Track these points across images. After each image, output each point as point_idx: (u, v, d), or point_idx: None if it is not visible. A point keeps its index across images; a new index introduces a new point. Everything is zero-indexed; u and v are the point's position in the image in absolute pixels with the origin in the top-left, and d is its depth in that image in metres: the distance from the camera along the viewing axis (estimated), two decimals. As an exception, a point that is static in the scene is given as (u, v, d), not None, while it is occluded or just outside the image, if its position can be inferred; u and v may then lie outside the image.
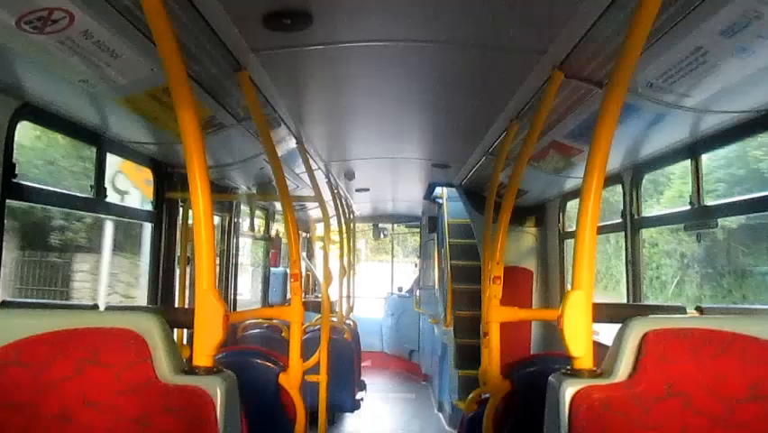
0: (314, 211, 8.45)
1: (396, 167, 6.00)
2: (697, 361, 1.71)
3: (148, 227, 4.37)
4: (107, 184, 3.42)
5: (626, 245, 3.93)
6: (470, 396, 3.92)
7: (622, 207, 3.94)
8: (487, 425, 3.15)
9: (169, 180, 4.19)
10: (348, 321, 7.38)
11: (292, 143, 4.22)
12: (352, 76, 3.10)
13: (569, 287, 1.83)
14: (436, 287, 8.43)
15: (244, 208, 6.21)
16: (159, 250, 4.23)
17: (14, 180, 2.59)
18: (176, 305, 4.33)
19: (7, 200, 2.57)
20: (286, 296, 7.65)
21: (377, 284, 12.47)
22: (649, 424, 1.64)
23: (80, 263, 9.59)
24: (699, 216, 3.13)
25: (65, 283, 9.50)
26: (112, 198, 3.51)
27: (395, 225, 11.93)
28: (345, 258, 6.78)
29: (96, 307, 2.21)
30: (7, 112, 2.53)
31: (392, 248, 12.87)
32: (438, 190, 7.57)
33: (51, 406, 1.71)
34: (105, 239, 9.22)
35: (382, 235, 11.88)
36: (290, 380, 3.25)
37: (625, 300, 3.98)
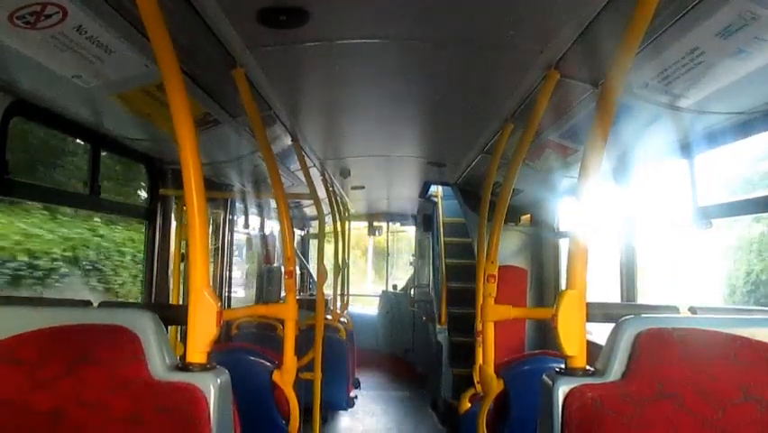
0: (309, 209, 8.43)
1: (391, 165, 5.98)
2: (689, 361, 1.72)
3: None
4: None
5: (620, 245, 3.95)
6: (464, 395, 3.93)
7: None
8: (480, 424, 3.16)
9: (163, 177, 4.18)
10: (342, 319, 7.38)
11: (287, 141, 4.21)
12: (347, 73, 3.09)
13: (563, 286, 1.83)
14: (431, 285, 8.43)
15: (239, 205, 6.20)
16: (153, 247, 4.22)
17: (7, 177, 2.58)
18: (170, 302, 4.32)
19: None
20: (280, 293, 7.64)
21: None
22: (641, 424, 1.65)
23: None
24: (693, 217, 3.15)
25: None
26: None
27: (390, 224, 11.90)
28: (340, 255, 6.77)
29: (88, 303, 2.20)
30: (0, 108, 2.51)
31: (387, 246, 12.82)
32: (433, 189, 7.56)
33: (44, 404, 1.70)
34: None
35: (377, 234, 11.85)
36: (284, 377, 3.24)
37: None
